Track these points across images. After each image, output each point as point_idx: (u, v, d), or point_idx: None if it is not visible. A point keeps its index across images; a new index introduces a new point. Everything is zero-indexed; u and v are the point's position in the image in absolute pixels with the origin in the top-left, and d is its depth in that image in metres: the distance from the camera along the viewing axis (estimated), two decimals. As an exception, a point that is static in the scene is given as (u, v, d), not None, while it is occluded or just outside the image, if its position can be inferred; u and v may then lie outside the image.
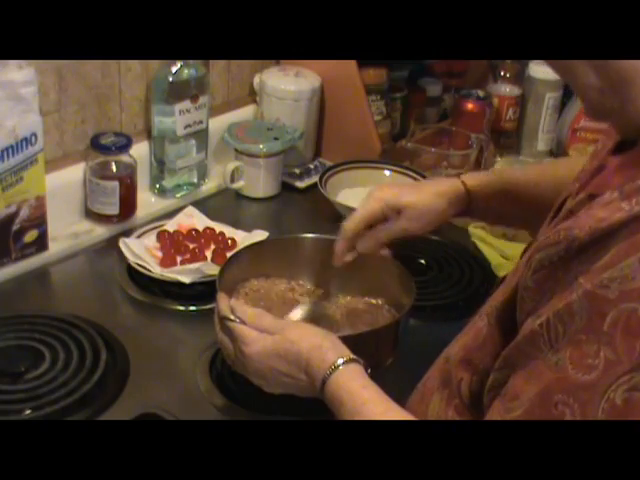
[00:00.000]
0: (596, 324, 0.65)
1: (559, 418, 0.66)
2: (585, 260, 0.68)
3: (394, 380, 1.07)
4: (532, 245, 0.85)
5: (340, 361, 0.88)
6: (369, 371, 0.89)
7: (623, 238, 0.66)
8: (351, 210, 1.13)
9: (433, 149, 1.58)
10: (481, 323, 0.86)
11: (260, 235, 1.34)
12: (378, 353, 1.06)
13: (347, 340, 0.99)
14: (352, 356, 0.89)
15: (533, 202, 1.05)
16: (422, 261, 1.38)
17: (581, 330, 0.66)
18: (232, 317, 0.96)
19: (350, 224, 1.07)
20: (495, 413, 0.72)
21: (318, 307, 1.13)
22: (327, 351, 0.90)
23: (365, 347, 1.03)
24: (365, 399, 0.85)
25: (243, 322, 0.96)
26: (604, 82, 0.71)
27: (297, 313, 1.12)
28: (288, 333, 0.93)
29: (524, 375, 0.70)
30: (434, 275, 1.36)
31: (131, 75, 1.44)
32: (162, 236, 1.36)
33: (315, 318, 1.11)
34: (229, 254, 1.31)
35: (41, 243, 1.31)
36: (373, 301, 1.14)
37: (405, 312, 1.06)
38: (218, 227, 1.40)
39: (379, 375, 0.92)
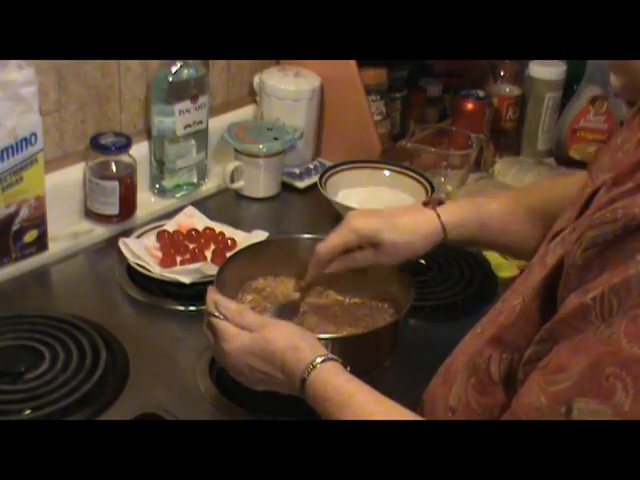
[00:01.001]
0: None
1: (610, 391, 0.66)
2: None
3: (394, 380, 1.07)
4: (560, 231, 0.85)
5: (319, 360, 0.89)
6: (348, 369, 0.90)
7: None
8: (351, 210, 1.13)
9: (433, 149, 1.58)
10: (515, 301, 0.85)
11: (260, 235, 1.34)
12: (378, 353, 1.06)
13: (347, 340, 0.99)
14: (329, 354, 0.90)
15: (505, 233, 1.08)
16: (422, 261, 1.38)
17: (637, 305, 0.66)
18: (216, 313, 0.97)
19: (324, 250, 1.08)
20: (534, 385, 0.72)
21: (319, 307, 1.14)
22: (303, 351, 0.91)
23: (365, 347, 1.03)
24: (352, 392, 0.85)
25: (226, 318, 0.96)
26: None
27: (298, 312, 1.12)
28: (266, 331, 0.94)
29: (571, 348, 0.70)
30: (434, 275, 1.36)
31: (131, 75, 1.44)
32: (162, 236, 1.36)
33: (317, 317, 1.11)
34: (229, 254, 1.31)
35: (41, 243, 1.31)
36: (373, 302, 1.14)
37: (404, 312, 1.06)
38: (218, 227, 1.40)
39: (379, 375, 0.92)
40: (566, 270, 0.76)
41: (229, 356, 0.96)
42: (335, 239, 1.07)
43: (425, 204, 1.11)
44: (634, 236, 0.69)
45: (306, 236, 1.19)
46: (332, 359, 0.90)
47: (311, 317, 1.12)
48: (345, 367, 0.90)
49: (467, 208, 1.09)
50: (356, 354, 0.90)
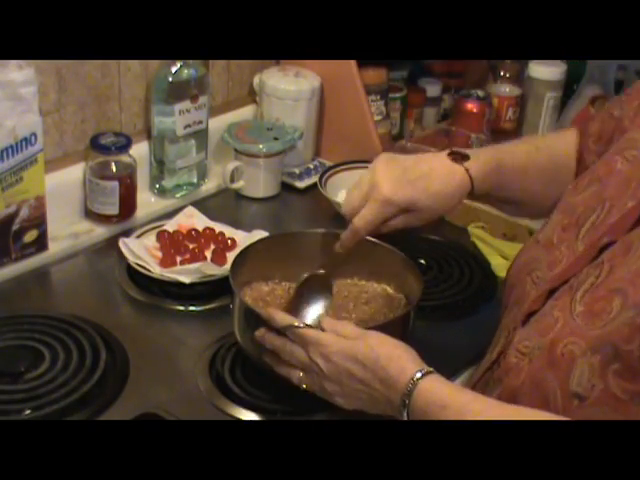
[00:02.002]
0: None
1: None
2: None
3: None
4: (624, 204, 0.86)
5: (420, 373, 0.88)
6: None
7: None
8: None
9: (433, 149, 1.58)
10: None
11: (260, 235, 1.34)
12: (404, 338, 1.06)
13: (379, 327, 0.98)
14: (431, 368, 0.89)
15: (521, 190, 1.10)
16: (422, 261, 1.38)
17: None
18: (300, 325, 0.96)
19: (363, 224, 1.05)
20: None
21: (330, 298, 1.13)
22: (406, 362, 0.89)
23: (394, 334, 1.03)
24: (469, 397, 0.85)
25: (309, 327, 0.96)
26: None
27: (331, 287, 1.12)
28: (368, 339, 0.93)
29: None
30: (434, 275, 1.36)
31: (131, 75, 1.44)
32: (162, 236, 1.36)
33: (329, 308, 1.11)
34: (229, 254, 1.31)
35: (41, 243, 1.31)
36: (379, 287, 1.16)
37: (416, 302, 1.07)
38: (218, 227, 1.40)
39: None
40: None
41: (329, 361, 0.93)
42: (372, 213, 1.04)
43: (451, 155, 1.08)
44: None
45: (315, 230, 1.18)
46: (434, 372, 0.89)
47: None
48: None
49: (490, 165, 1.08)
50: None
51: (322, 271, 1.11)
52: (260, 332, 1.01)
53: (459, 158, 1.07)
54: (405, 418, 0.88)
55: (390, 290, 1.16)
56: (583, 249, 0.92)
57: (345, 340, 0.94)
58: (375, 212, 1.04)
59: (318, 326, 0.96)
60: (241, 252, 1.15)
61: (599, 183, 0.93)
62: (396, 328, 1.03)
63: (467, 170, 1.06)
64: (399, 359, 0.90)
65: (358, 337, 0.93)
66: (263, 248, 1.17)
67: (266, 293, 1.15)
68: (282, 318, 0.99)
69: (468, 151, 1.09)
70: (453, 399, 0.85)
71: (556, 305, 0.89)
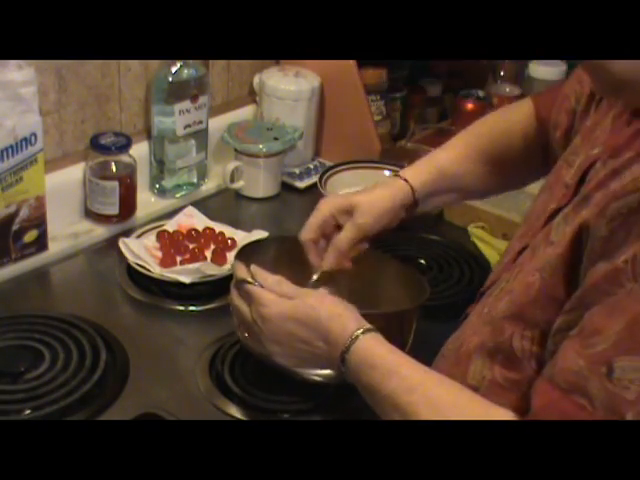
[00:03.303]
0: None
1: None
2: None
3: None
4: (557, 209, 0.88)
5: (361, 330, 0.89)
6: None
7: None
8: None
9: (433, 149, 1.58)
10: (532, 278, 0.85)
11: (260, 235, 1.34)
12: (402, 336, 1.06)
13: (372, 317, 0.99)
14: (372, 327, 0.90)
15: (464, 176, 1.14)
16: (422, 261, 1.38)
17: None
18: (252, 280, 0.96)
19: (304, 233, 1.09)
20: (569, 351, 0.72)
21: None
22: (347, 319, 0.90)
23: (390, 328, 1.03)
24: (400, 360, 0.86)
25: (262, 287, 0.96)
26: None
27: None
28: (308, 299, 0.93)
29: (605, 311, 0.71)
30: (434, 275, 1.36)
31: (131, 75, 1.44)
32: (162, 236, 1.36)
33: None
34: (229, 254, 1.31)
35: (41, 243, 1.31)
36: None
37: (424, 298, 1.07)
38: (218, 227, 1.40)
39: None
40: (590, 244, 0.78)
41: (269, 322, 0.94)
42: (309, 220, 1.09)
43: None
44: None
45: None
46: (374, 330, 0.90)
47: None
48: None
49: (423, 163, 1.14)
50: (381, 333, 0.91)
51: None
52: (232, 286, 1.01)
53: (396, 173, 1.14)
54: (344, 375, 0.89)
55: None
56: (512, 254, 0.96)
57: (285, 300, 0.94)
58: (311, 218, 1.08)
59: (259, 284, 0.96)
60: (249, 244, 1.16)
61: (550, 190, 0.95)
62: (394, 322, 1.04)
63: (405, 179, 1.11)
64: (340, 317, 0.91)
65: (297, 296, 0.94)
66: (269, 247, 1.17)
67: None
68: (241, 272, 0.99)
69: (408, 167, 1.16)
70: (383, 361, 0.86)
71: (475, 308, 0.95)
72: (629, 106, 0.83)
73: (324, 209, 1.09)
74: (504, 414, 0.77)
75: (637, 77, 0.75)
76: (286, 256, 1.15)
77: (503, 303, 0.89)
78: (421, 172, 1.13)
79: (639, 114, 0.80)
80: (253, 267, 0.98)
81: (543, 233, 0.88)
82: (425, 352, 0.96)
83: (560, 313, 0.79)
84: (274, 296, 0.95)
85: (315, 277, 1.10)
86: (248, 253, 1.13)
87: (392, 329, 1.01)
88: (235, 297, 1.00)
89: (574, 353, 0.72)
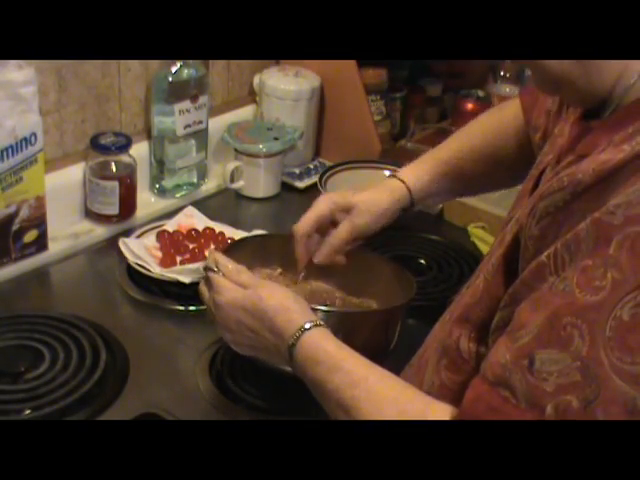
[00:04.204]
0: (602, 248, 0.67)
1: (568, 340, 0.67)
2: (590, 199, 0.72)
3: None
4: (512, 217, 0.89)
5: (309, 324, 0.89)
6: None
7: (628, 174, 0.70)
8: None
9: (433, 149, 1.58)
10: (478, 281, 0.88)
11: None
12: (386, 335, 1.06)
13: (355, 316, 0.99)
14: (319, 321, 0.90)
15: (461, 175, 1.15)
16: (422, 261, 1.38)
17: (587, 255, 0.68)
18: (215, 269, 0.97)
19: (299, 226, 1.09)
20: (501, 346, 0.73)
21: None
22: (294, 313, 0.90)
23: (376, 326, 1.03)
24: (344, 355, 0.85)
25: (224, 275, 0.97)
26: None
27: None
28: (260, 290, 0.94)
29: (530, 306, 0.72)
30: (434, 275, 1.36)
31: (131, 75, 1.44)
32: (162, 236, 1.36)
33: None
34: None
35: (41, 243, 1.31)
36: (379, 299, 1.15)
37: (411, 296, 1.07)
38: (218, 227, 1.40)
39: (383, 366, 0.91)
40: (524, 243, 0.80)
41: (220, 309, 0.95)
42: (308, 213, 1.10)
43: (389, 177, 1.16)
44: (581, 198, 0.73)
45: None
46: (321, 325, 0.90)
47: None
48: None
49: (419, 163, 1.16)
50: (364, 332, 0.90)
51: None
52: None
53: (394, 174, 1.16)
54: (293, 369, 0.89)
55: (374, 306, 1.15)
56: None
57: (238, 289, 0.95)
58: (309, 213, 1.09)
59: (221, 272, 0.97)
60: (235, 242, 1.18)
61: (518, 197, 0.96)
62: (394, 318, 1.05)
63: (402, 181, 1.13)
64: (287, 311, 0.91)
65: (250, 286, 0.94)
66: (252, 245, 1.17)
67: (266, 276, 1.15)
68: (210, 259, 1.00)
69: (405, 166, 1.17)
70: (328, 357, 0.85)
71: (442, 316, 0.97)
72: (568, 102, 0.86)
73: (323, 206, 1.10)
74: (444, 409, 0.78)
75: (572, 76, 0.76)
76: (276, 252, 1.15)
77: (455, 307, 0.91)
78: (418, 172, 1.14)
79: (588, 116, 0.81)
80: (217, 255, 1.00)
81: (499, 239, 0.90)
82: (425, 352, 0.96)
83: (489, 321, 0.81)
84: (230, 284, 0.96)
85: (303, 274, 1.12)
86: (236, 248, 1.14)
87: (376, 327, 1.02)
88: (201, 283, 1.01)
89: (504, 347, 0.73)
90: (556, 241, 0.72)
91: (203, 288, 1.00)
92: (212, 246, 1.34)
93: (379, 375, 0.83)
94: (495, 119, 1.18)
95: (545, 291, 0.71)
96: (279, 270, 1.15)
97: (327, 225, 1.11)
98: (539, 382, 0.68)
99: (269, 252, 1.15)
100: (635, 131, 0.72)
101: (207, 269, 0.99)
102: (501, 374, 0.71)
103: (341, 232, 1.10)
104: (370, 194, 1.12)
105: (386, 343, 1.07)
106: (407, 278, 1.12)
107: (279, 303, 0.92)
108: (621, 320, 0.65)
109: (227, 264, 0.98)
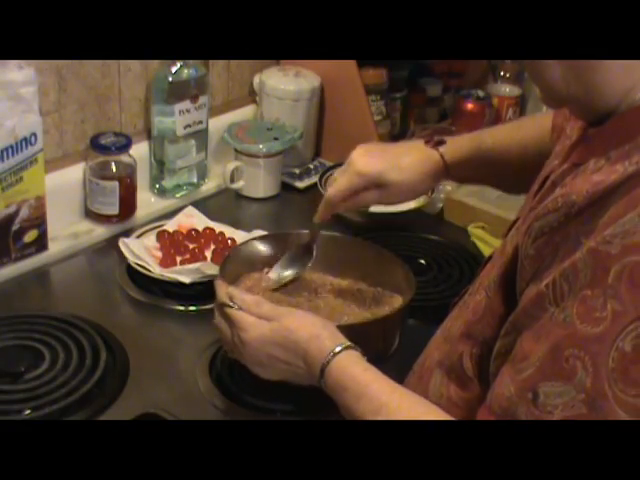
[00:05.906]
0: (601, 279, 0.67)
1: (571, 372, 0.67)
2: (584, 222, 0.72)
3: (394, 379, 1.07)
4: (517, 220, 0.89)
5: (338, 348, 0.89)
6: (366, 358, 0.90)
7: (620, 196, 0.70)
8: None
9: (433, 149, 1.58)
10: (479, 297, 0.88)
11: (259, 235, 1.34)
12: (384, 342, 1.06)
13: (352, 329, 0.99)
14: (349, 343, 0.90)
15: (503, 167, 1.12)
16: (422, 261, 1.38)
17: (586, 286, 0.68)
18: (230, 303, 0.97)
19: (334, 193, 1.08)
20: (506, 377, 0.73)
21: (318, 297, 1.14)
22: (325, 340, 0.91)
23: (371, 335, 1.03)
24: (368, 381, 0.86)
25: (241, 309, 0.96)
26: (569, 72, 0.75)
27: (313, 254, 1.14)
28: (286, 321, 0.93)
29: (532, 336, 0.72)
30: (434, 275, 1.36)
31: (131, 75, 1.44)
32: (162, 236, 1.36)
33: (314, 306, 1.12)
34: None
35: (41, 243, 1.31)
36: (378, 289, 1.15)
37: (408, 300, 1.07)
38: (218, 227, 1.40)
39: (382, 369, 0.91)
40: (520, 261, 0.80)
41: (248, 346, 0.95)
42: (342, 183, 1.07)
43: (426, 142, 1.11)
44: (576, 220, 0.73)
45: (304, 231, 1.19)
46: (351, 347, 0.90)
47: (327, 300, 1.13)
48: (363, 356, 0.90)
49: (468, 146, 1.12)
50: (361, 342, 0.91)
51: (306, 231, 1.15)
52: (215, 305, 1.02)
53: (435, 144, 1.10)
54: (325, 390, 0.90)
55: (388, 293, 1.15)
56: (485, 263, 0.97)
57: (263, 323, 0.94)
58: (345, 182, 1.07)
59: (238, 306, 0.97)
60: (233, 250, 1.18)
61: (526, 202, 0.96)
62: (383, 325, 1.05)
63: (442, 155, 1.09)
64: (318, 338, 0.91)
65: (274, 318, 0.94)
66: (252, 247, 1.18)
67: (259, 279, 1.16)
68: (222, 294, 0.99)
69: (449, 137, 1.12)
70: (354, 383, 0.86)
71: (443, 322, 0.98)
72: (575, 116, 0.85)
73: (359, 181, 1.06)
74: None
75: (577, 94, 0.76)
76: (257, 255, 1.16)
77: (459, 321, 0.91)
78: (460, 148, 1.11)
79: (592, 124, 0.81)
80: (230, 289, 0.99)
81: (501, 245, 0.90)
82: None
83: (499, 337, 0.80)
84: (253, 319, 0.95)
85: (310, 264, 1.13)
86: (235, 259, 1.14)
87: (374, 335, 1.02)
88: (217, 318, 1.01)
89: (509, 379, 0.73)
90: (554, 267, 0.72)
91: (222, 325, 0.99)
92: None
93: (398, 401, 0.83)
94: (537, 125, 1.15)
95: (546, 321, 0.71)
96: (266, 269, 1.16)
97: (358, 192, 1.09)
98: (545, 415, 0.68)
99: (252, 257, 1.16)
100: (631, 148, 0.72)
101: (222, 305, 0.98)
102: (507, 407, 0.71)
103: (372, 201, 1.09)
104: (409, 175, 1.08)
105: (386, 348, 1.07)
106: (409, 278, 1.12)
107: (309, 332, 0.92)
108: (623, 352, 0.65)
109: (244, 298, 0.98)
